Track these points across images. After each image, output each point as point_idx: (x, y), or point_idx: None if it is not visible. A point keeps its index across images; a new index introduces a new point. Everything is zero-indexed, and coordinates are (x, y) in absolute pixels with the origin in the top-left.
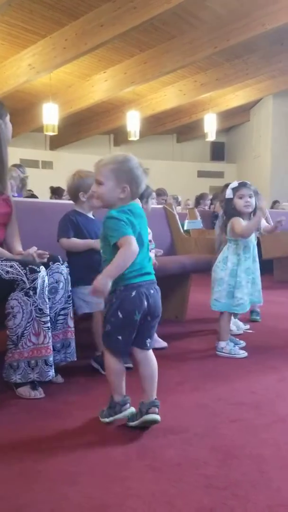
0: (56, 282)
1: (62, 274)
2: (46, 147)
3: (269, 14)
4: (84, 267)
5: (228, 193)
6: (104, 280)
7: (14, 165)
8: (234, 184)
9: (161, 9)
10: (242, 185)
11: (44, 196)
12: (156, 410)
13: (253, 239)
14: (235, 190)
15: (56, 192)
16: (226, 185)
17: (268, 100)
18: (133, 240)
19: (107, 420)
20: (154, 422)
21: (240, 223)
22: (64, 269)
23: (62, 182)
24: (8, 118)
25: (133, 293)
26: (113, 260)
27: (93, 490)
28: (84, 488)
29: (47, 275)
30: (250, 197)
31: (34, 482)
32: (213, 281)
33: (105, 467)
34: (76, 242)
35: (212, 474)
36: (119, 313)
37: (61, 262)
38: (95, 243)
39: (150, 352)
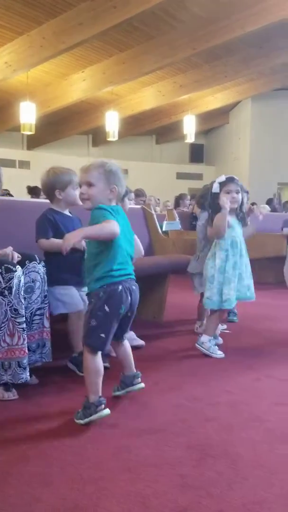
0: (33, 282)
1: (38, 273)
2: (23, 146)
3: (248, 17)
4: (62, 267)
5: (215, 187)
6: (77, 232)
7: None
8: (222, 178)
9: (140, 9)
10: (230, 180)
11: (21, 196)
12: (139, 380)
13: (239, 234)
14: (222, 184)
15: (33, 191)
16: (205, 186)
17: (247, 102)
18: (116, 224)
19: (82, 422)
20: (141, 388)
21: (216, 221)
22: (40, 268)
23: (39, 182)
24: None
25: (120, 288)
26: (93, 226)
27: (66, 491)
28: (58, 489)
29: (23, 274)
30: (237, 192)
31: (6, 485)
32: (205, 278)
33: (79, 468)
34: (56, 242)
35: (188, 473)
36: (105, 307)
37: (38, 261)
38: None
39: (125, 340)
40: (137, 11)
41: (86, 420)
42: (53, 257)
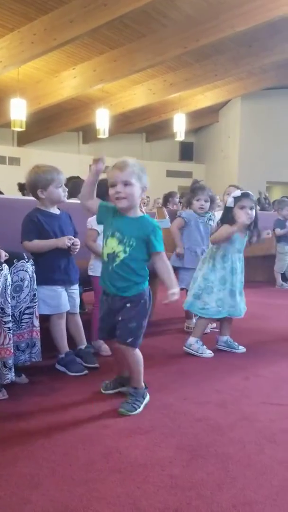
0: (21, 280)
1: (27, 272)
2: (13, 143)
3: (238, 16)
4: (48, 267)
5: (229, 202)
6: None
7: None
8: (237, 193)
9: (131, 7)
10: (245, 195)
11: (10, 193)
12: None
13: (235, 251)
14: (236, 200)
15: (23, 188)
16: (194, 182)
17: (236, 101)
18: None
19: (139, 409)
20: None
21: (221, 230)
22: (29, 267)
23: None
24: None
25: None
26: (169, 269)
27: (56, 493)
28: (48, 491)
29: (11, 273)
30: (251, 208)
31: None
32: (200, 286)
33: (69, 469)
34: (39, 245)
35: (178, 474)
36: (148, 308)
37: (26, 259)
38: (59, 242)
39: None
40: (128, 9)
41: (142, 406)
42: (40, 257)
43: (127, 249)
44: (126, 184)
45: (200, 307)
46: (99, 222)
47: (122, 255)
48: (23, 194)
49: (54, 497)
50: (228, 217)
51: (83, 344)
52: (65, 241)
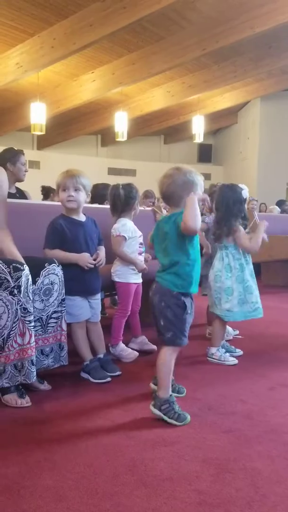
0: (51, 284)
1: (57, 275)
2: (33, 146)
3: (258, 18)
4: (69, 278)
5: (245, 194)
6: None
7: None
8: (247, 189)
9: (150, 10)
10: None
11: (31, 196)
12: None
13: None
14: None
15: (46, 191)
16: (211, 187)
17: (255, 102)
18: None
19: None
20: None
21: (246, 237)
22: (59, 271)
23: (49, 182)
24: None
25: None
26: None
27: (81, 507)
28: (72, 505)
29: (42, 276)
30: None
31: (19, 498)
32: (217, 291)
33: (94, 482)
34: (58, 256)
35: (205, 490)
36: None
37: (57, 263)
38: (80, 260)
39: None
40: (147, 12)
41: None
42: (63, 266)
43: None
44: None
45: (251, 310)
46: None
47: None
48: (46, 198)
49: (79, 510)
50: (242, 210)
51: (102, 353)
52: (86, 261)
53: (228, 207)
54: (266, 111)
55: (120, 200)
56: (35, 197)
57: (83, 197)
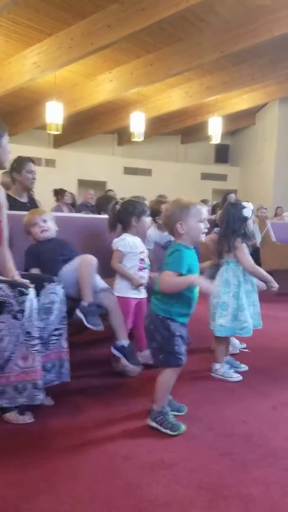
0: (51, 303)
1: (57, 294)
2: (49, 145)
3: (277, 21)
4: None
5: (247, 213)
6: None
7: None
8: (250, 208)
9: (169, 12)
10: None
11: (46, 194)
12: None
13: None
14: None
15: (58, 193)
16: (227, 192)
17: (274, 104)
18: None
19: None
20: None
21: (248, 256)
22: (59, 290)
23: (64, 180)
24: (5, 139)
25: None
26: None
27: None
28: None
29: (41, 295)
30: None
31: None
32: (214, 306)
33: (89, 507)
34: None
35: None
36: None
37: (56, 283)
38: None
39: None
40: (165, 15)
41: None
42: None
43: None
44: None
45: (239, 327)
46: None
47: None
48: (58, 200)
49: None
50: (244, 227)
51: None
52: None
53: (228, 224)
54: (285, 113)
55: (115, 216)
56: (49, 199)
57: (53, 224)
